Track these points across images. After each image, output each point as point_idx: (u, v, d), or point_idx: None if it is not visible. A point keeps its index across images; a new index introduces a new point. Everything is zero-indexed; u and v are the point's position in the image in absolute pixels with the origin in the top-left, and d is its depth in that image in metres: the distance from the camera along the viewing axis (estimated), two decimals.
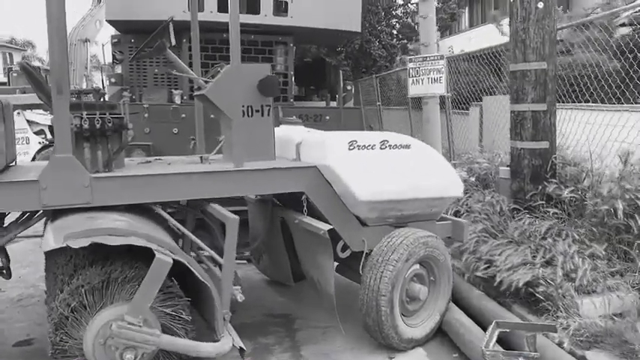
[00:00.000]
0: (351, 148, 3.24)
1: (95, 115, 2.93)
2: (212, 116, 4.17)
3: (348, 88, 6.18)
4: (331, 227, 3.14)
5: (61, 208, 2.77)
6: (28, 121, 11.38)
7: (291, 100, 5.94)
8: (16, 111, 11.56)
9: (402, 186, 3.37)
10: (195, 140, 3.82)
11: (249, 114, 3.48)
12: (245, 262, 5.08)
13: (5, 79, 17.70)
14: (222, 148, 3.82)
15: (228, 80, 3.26)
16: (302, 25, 5.58)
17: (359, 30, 5.97)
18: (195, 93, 3.81)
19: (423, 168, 3.43)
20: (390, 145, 3.31)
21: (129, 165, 3.38)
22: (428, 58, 6.46)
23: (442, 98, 7.01)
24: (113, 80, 5.55)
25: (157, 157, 3.87)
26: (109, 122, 2.96)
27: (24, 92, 15.22)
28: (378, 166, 3.29)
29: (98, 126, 2.93)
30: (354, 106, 6.65)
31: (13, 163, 3.42)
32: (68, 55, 14.37)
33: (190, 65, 4.18)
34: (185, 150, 5.35)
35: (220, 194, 3.10)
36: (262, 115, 3.52)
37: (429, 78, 6.46)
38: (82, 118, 2.91)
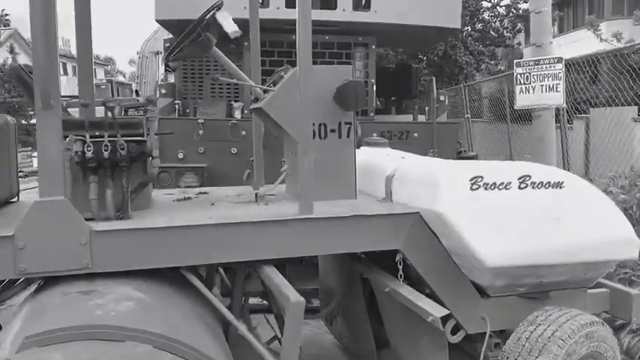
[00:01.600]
0: (475, 186, 2.15)
1: (103, 138, 2.05)
2: (277, 135, 3.23)
3: (442, 98, 5.07)
4: (448, 312, 2.07)
5: (46, 275, 1.89)
6: None
7: (372, 113, 4.92)
8: None
9: (549, 244, 2.24)
10: (250, 170, 2.88)
11: (322, 135, 2.51)
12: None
13: None
14: (285, 179, 2.85)
15: (293, 88, 2.28)
16: (388, 21, 4.55)
17: (458, 26, 4.86)
18: (252, 105, 2.88)
19: (580, 217, 2.27)
20: (533, 183, 2.19)
21: (159, 204, 2.48)
22: (541, 62, 5.23)
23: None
24: (164, 91, 4.77)
25: (201, 191, 2.96)
26: (123, 148, 2.06)
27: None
28: (514, 215, 2.18)
29: (107, 153, 2.04)
30: (450, 121, 5.51)
31: (15, 199, 2.62)
32: (139, 67, 14.15)
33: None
34: (244, 174, 4.48)
35: (279, 254, 2.12)
36: (340, 135, 2.53)
37: (542, 86, 5.23)
38: (84, 142, 2.03)
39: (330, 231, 2.14)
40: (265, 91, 2.66)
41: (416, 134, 4.68)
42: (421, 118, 5.29)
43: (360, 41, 4.80)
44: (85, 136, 2.04)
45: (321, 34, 4.60)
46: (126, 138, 2.10)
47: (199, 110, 4.73)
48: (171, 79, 4.99)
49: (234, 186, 3.33)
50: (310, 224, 2.11)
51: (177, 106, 4.72)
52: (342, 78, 2.47)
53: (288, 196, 2.75)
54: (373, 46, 4.82)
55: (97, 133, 2.09)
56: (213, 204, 2.49)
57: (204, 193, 2.93)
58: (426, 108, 5.08)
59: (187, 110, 4.80)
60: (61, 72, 31.76)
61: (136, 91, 15.15)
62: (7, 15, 34.68)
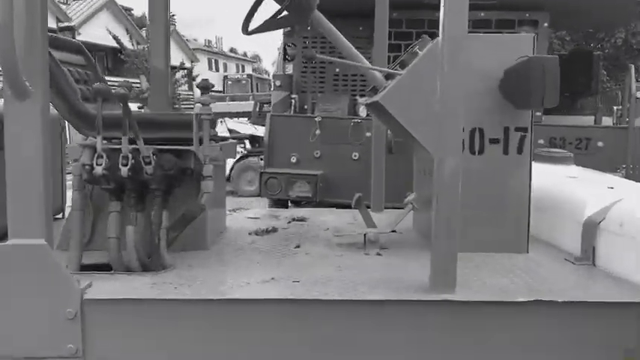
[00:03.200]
0: None
1: (119, 145, 1.31)
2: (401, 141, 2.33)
3: (639, 95, 3.72)
4: None
5: None
6: (229, 129, 10.96)
7: (538, 113, 3.75)
8: (219, 119, 11.29)
9: None
10: (361, 195, 1.99)
11: (476, 147, 1.57)
12: None
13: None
14: (414, 211, 1.93)
15: (430, 72, 1.35)
16: None
17: None
18: (367, 100, 2.00)
19: None
20: None
21: (225, 241, 1.72)
22: None
23: None
24: (279, 83, 4.08)
25: (296, 217, 2.16)
26: (148, 161, 1.30)
27: (233, 100, 15.51)
28: None
29: (127, 170, 1.30)
30: None
31: (60, 216, 2.04)
32: (278, 64, 13.89)
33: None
34: (368, 185, 3.64)
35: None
36: (506, 150, 1.57)
37: None
38: (94, 151, 1.31)
39: (484, 324, 1.18)
40: (389, 77, 1.76)
41: (600, 143, 3.44)
42: (606, 120, 3.99)
43: (527, 18, 3.66)
44: (108, 142, 1.32)
45: (475, 10, 3.57)
46: (162, 146, 1.35)
47: (318, 106, 3.96)
48: (289, 69, 4.30)
49: (346, 208, 2.51)
50: (449, 311, 1.18)
51: (293, 101, 4.00)
52: (515, 54, 1.49)
53: (418, 238, 1.83)
54: (545, 24, 3.65)
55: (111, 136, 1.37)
56: (298, 246, 1.65)
57: (300, 220, 2.11)
58: (615, 108, 3.78)
59: (305, 106, 4.06)
60: (213, 68, 33.67)
61: None
62: (173, 15, 39.10)
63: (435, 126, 1.27)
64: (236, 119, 11.87)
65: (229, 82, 17.42)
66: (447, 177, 1.24)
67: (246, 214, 2.26)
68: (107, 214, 1.38)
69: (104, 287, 1.21)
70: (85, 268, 1.38)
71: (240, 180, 10.49)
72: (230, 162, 10.94)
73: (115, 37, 17.27)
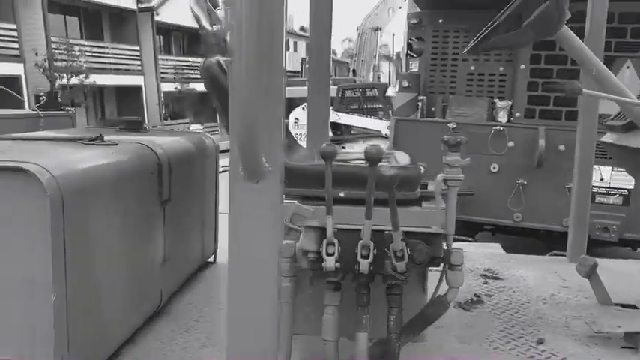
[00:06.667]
0: None
1: (355, 225, 0.95)
2: None
3: None
4: None
5: None
6: None
7: None
8: (302, 105, 10.91)
9: None
10: (595, 262, 1.54)
11: None
12: None
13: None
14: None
15: None
16: None
17: None
18: (604, 137, 1.53)
19: None
20: None
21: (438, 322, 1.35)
22: None
23: None
24: (405, 84, 3.65)
25: (488, 273, 1.75)
26: (400, 255, 0.94)
27: None
28: None
29: (368, 264, 0.95)
30: None
31: (212, 259, 1.75)
32: (357, 45, 13.57)
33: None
34: (507, 201, 3.22)
35: None
36: None
37: None
38: (321, 233, 0.97)
39: None
40: None
41: None
42: None
43: None
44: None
45: None
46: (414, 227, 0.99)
47: (450, 110, 3.52)
48: (415, 66, 3.85)
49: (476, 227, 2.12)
50: None
51: (419, 103, 3.58)
52: None
53: None
54: None
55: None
56: (542, 341, 1.25)
57: (493, 277, 1.71)
58: None
59: (433, 109, 3.63)
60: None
61: (354, 70, 14.54)
62: None
63: None
64: None
65: (307, 66, 16.99)
66: None
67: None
68: (312, 299, 1.04)
69: None
70: None
71: None
72: None
73: (197, 17, 17.30)
